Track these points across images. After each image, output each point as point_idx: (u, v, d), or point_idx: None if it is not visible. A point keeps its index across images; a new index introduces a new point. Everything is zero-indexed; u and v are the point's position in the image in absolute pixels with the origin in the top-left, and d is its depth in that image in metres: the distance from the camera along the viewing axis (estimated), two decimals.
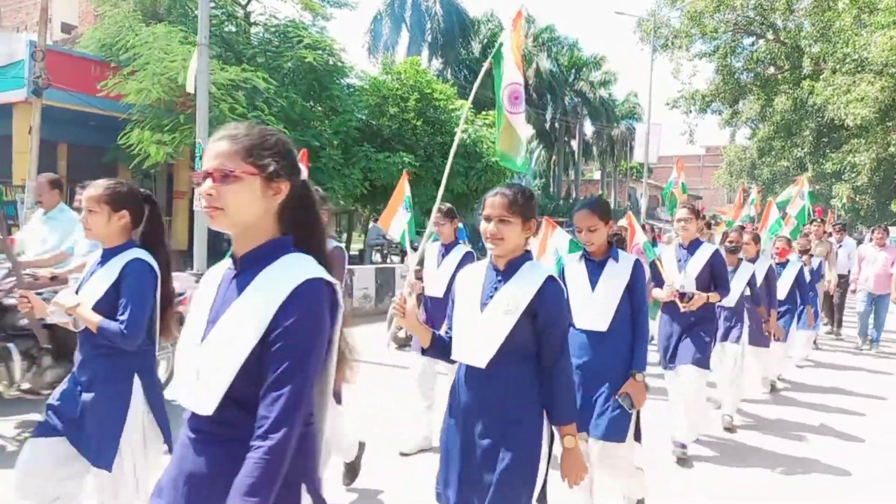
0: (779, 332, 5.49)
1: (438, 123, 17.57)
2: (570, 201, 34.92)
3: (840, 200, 23.21)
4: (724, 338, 5.01)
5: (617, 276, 2.99)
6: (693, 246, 4.41)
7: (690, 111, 26.71)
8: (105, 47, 13.74)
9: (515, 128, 3.90)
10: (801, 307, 6.69)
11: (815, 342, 8.54)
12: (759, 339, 5.56)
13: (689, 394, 4.20)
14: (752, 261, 5.81)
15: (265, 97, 13.13)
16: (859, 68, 18.14)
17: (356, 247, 20.89)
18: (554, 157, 39.21)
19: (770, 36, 24.86)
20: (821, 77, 20.33)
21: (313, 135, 14.41)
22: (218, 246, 18.43)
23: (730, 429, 5.00)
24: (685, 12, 23.68)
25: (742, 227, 9.42)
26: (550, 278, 2.12)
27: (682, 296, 4.21)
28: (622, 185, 45.80)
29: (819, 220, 9.35)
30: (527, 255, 2.22)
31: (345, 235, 22.77)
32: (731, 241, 5.30)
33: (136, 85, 12.21)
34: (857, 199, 24.84)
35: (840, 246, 9.99)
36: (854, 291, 9.35)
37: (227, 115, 12.14)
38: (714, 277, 4.32)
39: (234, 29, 16.23)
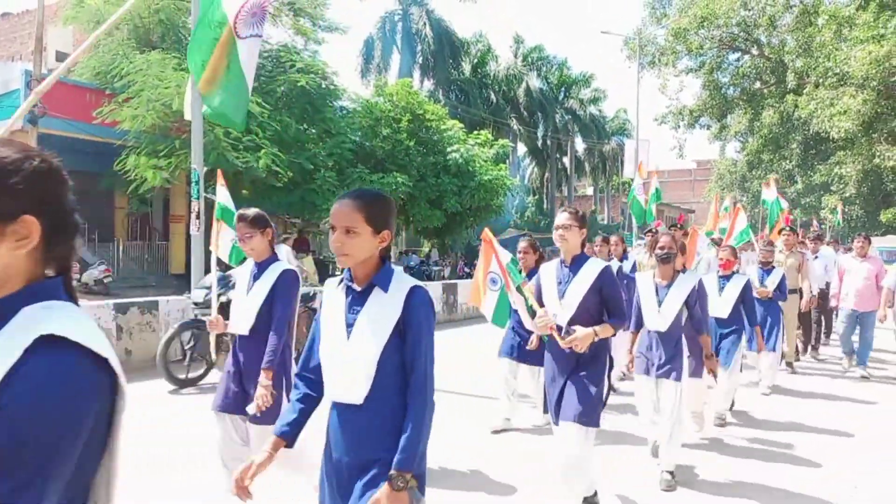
0: (714, 368, 4.37)
1: (431, 143, 17.82)
2: None
3: (831, 212, 23.49)
4: (662, 373, 4.00)
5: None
6: (577, 263, 3.31)
7: (679, 126, 27.10)
8: (100, 75, 13.95)
9: (241, 57, 3.98)
10: (751, 328, 5.61)
11: (790, 365, 7.77)
12: (694, 369, 4.65)
13: (570, 458, 3.23)
14: (728, 278, 5.48)
15: (259, 121, 13.32)
16: (841, 82, 18.52)
17: None
18: (547, 174, 39.55)
19: (755, 51, 25.33)
20: (804, 91, 20.72)
21: (308, 157, 14.61)
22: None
23: (669, 489, 3.90)
24: (670, 30, 24.14)
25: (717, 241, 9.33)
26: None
27: (559, 329, 3.23)
28: (615, 201, 46.14)
29: (789, 228, 8.30)
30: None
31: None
32: (661, 248, 4.09)
33: (130, 111, 12.38)
34: (847, 209, 25.15)
35: (815, 257, 9.12)
36: (834, 308, 8.35)
37: (222, 139, 12.32)
38: (605, 302, 3.26)
39: None
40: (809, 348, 8.81)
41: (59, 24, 17.18)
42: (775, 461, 4.54)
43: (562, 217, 3.31)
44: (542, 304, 3.38)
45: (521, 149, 39.25)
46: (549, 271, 3.45)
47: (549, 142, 37.43)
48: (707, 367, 4.33)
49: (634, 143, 23.24)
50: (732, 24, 23.67)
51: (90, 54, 13.91)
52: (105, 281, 13.13)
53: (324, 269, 17.60)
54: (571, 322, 3.24)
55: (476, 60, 32.82)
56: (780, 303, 6.91)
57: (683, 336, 4.14)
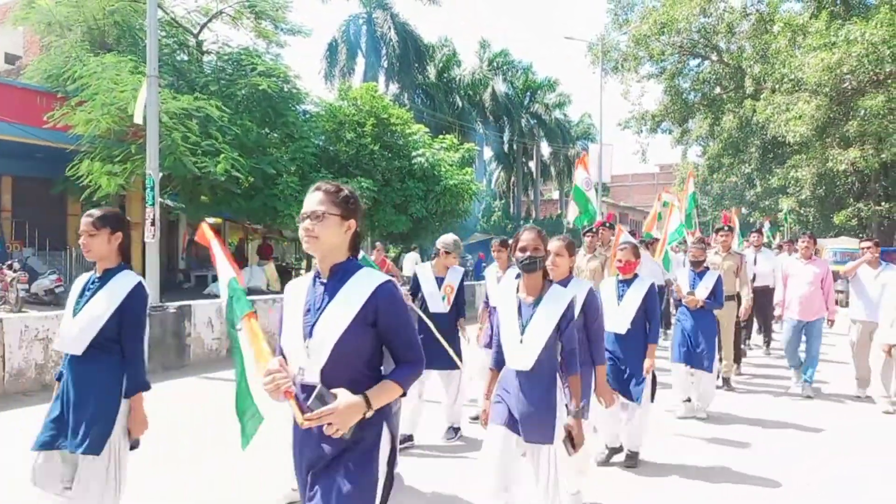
0: (610, 401, 3.55)
1: (396, 148, 17.70)
2: (531, 221, 35.39)
3: (787, 215, 24.16)
4: (531, 437, 3.00)
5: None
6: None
7: (642, 131, 27.56)
8: (51, 78, 13.50)
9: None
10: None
11: (727, 382, 6.94)
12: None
13: None
14: (628, 283, 4.42)
15: (219, 125, 13.03)
16: (796, 88, 19.06)
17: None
18: (513, 178, 39.78)
19: (714, 57, 25.93)
20: (762, 96, 21.26)
21: (269, 162, 14.35)
22: (172, 278, 18.07)
23: None
24: (631, 36, 24.54)
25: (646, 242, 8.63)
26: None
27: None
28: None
29: (726, 227, 7.43)
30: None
31: (304, 262, 22.59)
32: (522, 249, 2.94)
33: (84, 116, 11.99)
34: (802, 210, 25.89)
35: (758, 252, 8.66)
36: (779, 317, 7.42)
37: (179, 144, 12.02)
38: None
39: (185, 58, 16.13)
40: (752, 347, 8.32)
41: (9, 25, 16.58)
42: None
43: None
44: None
45: (487, 153, 39.41)
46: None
47: (514, 146, 37.67)
48: (599, 396, 3.41)
49: (598, 147, 23.52)
50: (692, 31, 24.18)
51: (40, 56, 13.46)
52: (56, 291, 12.65)
53: (286, 276, 17.32)
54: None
55: (441, 65, 32.84)
56: (716, 311, 6.02)
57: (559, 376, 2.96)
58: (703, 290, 5.77)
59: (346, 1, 30.71)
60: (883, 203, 21.95)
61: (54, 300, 12.24)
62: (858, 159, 18.63)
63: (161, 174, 10.23)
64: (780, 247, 11.94)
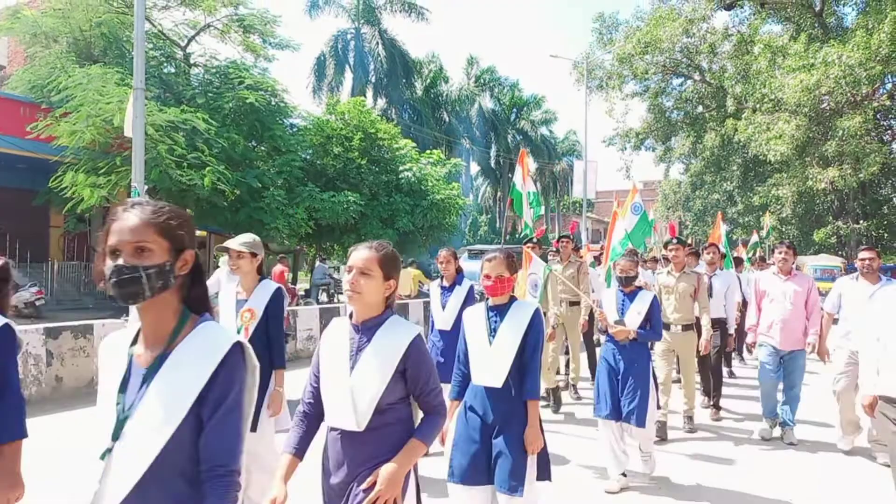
0: (534, 446, 2.82)
1: (383, 162, 17.75)
2: (517, 236, 35.55)
3: (768, 229, 24.52)
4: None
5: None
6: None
7: (626, 148, 27.95)
8: (35, 89, 13.41)
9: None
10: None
11: (690, 420, 5.81)
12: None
13: None
14: (500, 312, 3.24)
15: (205, 138, 12.99)
16: (776, 108, 19.46)
17: (302, 286, 20.60)
18: (499, 193, 40.00)
19: (697, 77, 26.40)
20: (743, 116, 21.66)
21: (256, 175, 14.31)
22: None
23: None
24: (616, 55, 24.93)
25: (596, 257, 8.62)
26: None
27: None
28: (566, 220, 47.03)
29: (675, 240, 6.15)
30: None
31: (290, 275, 22.46)
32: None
33: (68, 127, 11.90)
34: (783, 229, 26.29)
35: (713, 275, 6.95)
36: (752, 346, 6.27)
37: (165, 156, 11.97)
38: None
39: (173, 70, 16.10)
40: (710, 402, 6.51)
41: None
42: None
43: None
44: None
45: (474, 168, 39.66)
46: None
47: (501, 161, 37.93)
48: (527, 439, 2.80)
49: (583, 163, 23.76)
50: (675, 51, 24.63)
51: (25, 66, 13.37)
52: (36, 303, 12.47)
53: None
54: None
55: (429, 80, 33.11)
56: (668, 343, 5.53)
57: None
58: (634, 317, 4.40)
59: (335, 17, 30.78)
60: (861, 221, 22.36)
61: (35, 313, 12.05)
62: (837, 178, 19.00)
63: (146, 186, 10.17)
64: (761, 259, 11.78)
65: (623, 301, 4.52)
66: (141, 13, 8.76)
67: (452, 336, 4.64)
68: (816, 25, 21.59)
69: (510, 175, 40.26)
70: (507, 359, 2.81)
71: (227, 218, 14.49)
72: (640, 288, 4.59)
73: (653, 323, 4.43)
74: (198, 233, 14.77)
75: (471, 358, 2.92)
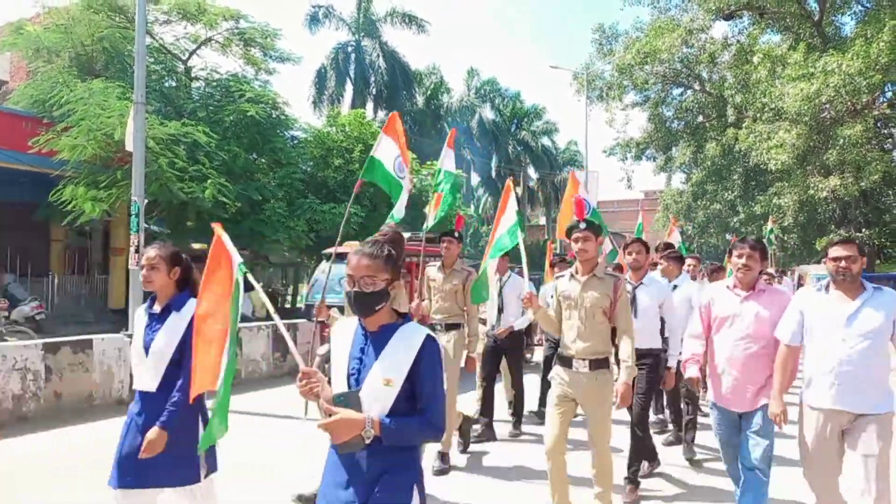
0: None
1: None
2: (516, 246, 35.51)
3: (767, 233, 24.47)
4: None
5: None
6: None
7: (626, 158, 27.94)
8: (37, 103, 13.47)
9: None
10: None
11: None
12: None
13: None
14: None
15: (206, 151, 13.02)
16: (777, 117, 19.45)
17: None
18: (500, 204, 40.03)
19: (697, 87, 26.44)
20: (744, 125, 21.65)
21: (257, 188, 14.35)
22: None
23: None
24: (616, 65, 24.99)
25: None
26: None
27: None
28: None
29: (582, 224, 3.91)
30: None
31: (291, 288, 22.43)
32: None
33: (70, 141, 11.95)
34: (785, 238, 26.22)
35: (639, 285, 4.92)
36: (699, 393, 5.05)
37: (166, 170, 12.00)
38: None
39: (174, 84, 16.18)
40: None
41: None
42: None
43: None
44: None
45: (475, 179, 39.71)
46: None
47: (502, 172, 37.97)
48: None
49: (584, 173, 23.77)
50: (675, 61, 24.67)
51: (27, 81, 13.44)
52: (36, 318, 12.42)
53: (273, 303, 17.15)
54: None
55: (429, 92, 33.20)
56: (564, 389, 3.77)
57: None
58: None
59: (335, 30, 30.89)
60: (863, 230, 22.27)
61: (34, 327, 12.01)
62: (839, 187, 18.95)
63: (147, 200, 10.19)
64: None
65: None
66: (142, 28, 8.80)
67: None
68: (815, 35, 21.62)
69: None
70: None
71: (229, 230, 14.44)
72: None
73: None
74: (198, 246, 14.80)
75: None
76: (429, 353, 1.99)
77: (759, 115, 20.57)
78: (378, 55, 29.68)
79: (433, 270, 5.40)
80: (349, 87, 30.62)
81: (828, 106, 18.33)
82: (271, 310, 2.25)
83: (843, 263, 3.23)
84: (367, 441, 1.90)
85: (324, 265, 8.89)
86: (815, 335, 3.29)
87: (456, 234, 5.36)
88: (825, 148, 19.42)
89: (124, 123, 9.96)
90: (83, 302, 15.79)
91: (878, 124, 20.57)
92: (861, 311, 3.17)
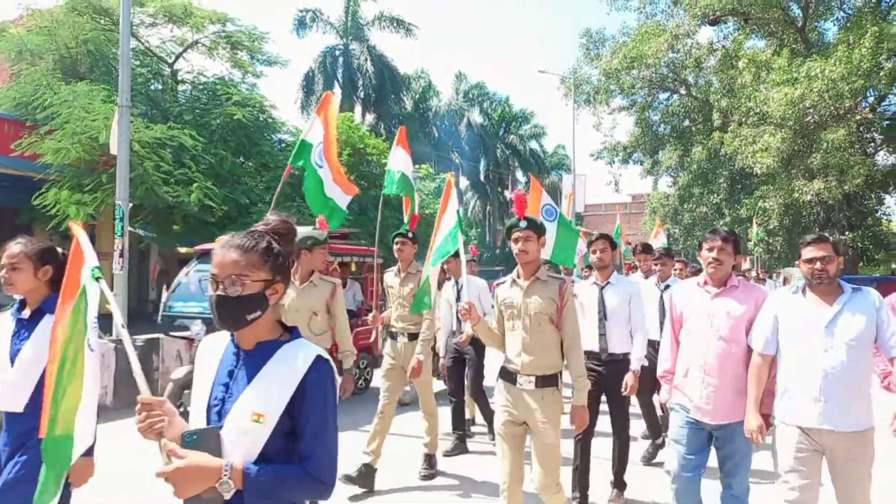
0: None
1: (372, 178, 17.73)
2: (507, 250, 35.62)
3: (755, 240, 24.68)
4: None
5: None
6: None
7: (614, 162, 28.13)
8: (20, 106, 13.31)
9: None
10: None
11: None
12: None
13: None
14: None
15: (192, 154, 12.94)
16: (761, 121, 19.67)
17: None
18: (489, 207, 40.10)
19: (683, 91, 26.67)
20: (729, 129, 21.87)
21: (244, 191, 14.26)
22: (143, 309, 17.66)
23: None
24: (602, 70, 25.18)
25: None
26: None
27: None
28: None
29: (523, 222, 3.42)
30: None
31: None
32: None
33: (53, 144, 11.81)
34: (771, 241, 26.48)
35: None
36: (663, 405, 4.61)
37: (152, 173, 11.90)
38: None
39: (160, 87, 16.07)
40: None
41: None
42: None
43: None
44: None
45: (464, 182, 39.80)
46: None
47: (490, 176, 38.07)
48: None
49: (572, 177, 23.90)
50: (661, 66, 24.88)
51: (9, 84, 13.29)
52: None
53: None
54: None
55: (418, 95, 33.26)
56: (509, 411, 3.29)
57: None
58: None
59: (323, 34, 30.86)
60: (847, 232, 22.55)
61: None
62: (823, 190, 19.17)
63: (132, 203, 10.08)
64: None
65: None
66: (126, 30, 8.73)
67: None
68: (799, 40, 21.90)
69: (500, 189, 40.41)
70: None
71: (214, 234, 14.39)
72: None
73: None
74: (184, 250, 14.69)
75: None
76: (317, 380, 1.53)
77: (744, 119, 20.79)
78: (366, 59, 29.70)
79: (390, 276, 5.11)
80: (337, 91, 30.59)
81: (811, 110, 18.57)
82: (118, 321, 1.81)
83: (818, 265, 2.93)
84: (227, 497, 1.46)
85: (194, 266, 7.59)
86: (791, 343, 2.96)
87: (409, 235, 4.98)
88: (809, 152, 19.65)
89: (109, 126, 9.87)
90: None
91: (861, 128, 20.85)
92: (841, 316, 2.88)
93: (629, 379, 4.25)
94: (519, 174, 40.24)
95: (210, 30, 16.10)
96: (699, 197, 28.35)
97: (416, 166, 19.65)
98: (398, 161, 5.30)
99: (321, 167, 4.81)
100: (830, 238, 3.01)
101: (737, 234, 3.39)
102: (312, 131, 4.94)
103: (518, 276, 3.35)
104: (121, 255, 8.12)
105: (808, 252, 2.98)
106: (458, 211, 3.98)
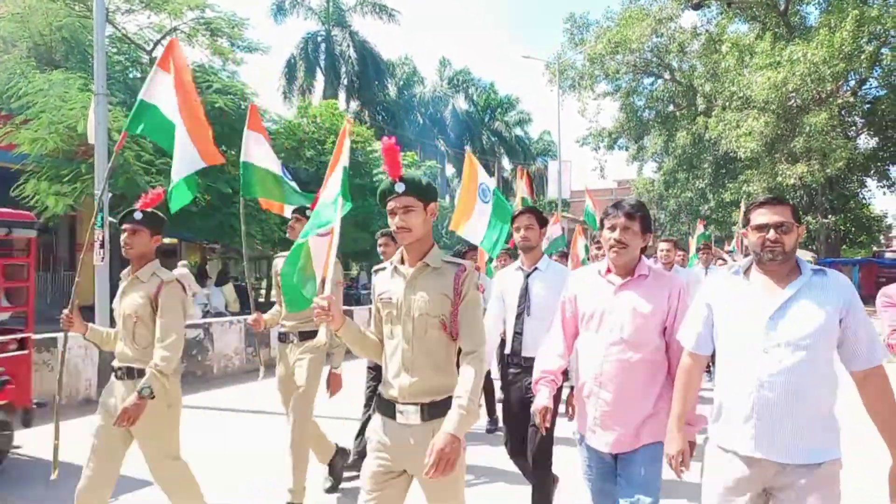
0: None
1: (356, 165, 17.60)
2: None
3: (742, 225, 24.90)
4: None
5: None
6: None
7: (599, 147, 28.21)
8: None
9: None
10: None
11: None
12: None
13: None
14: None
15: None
16: (745, 105, 19.78)
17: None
18: None
19: (667, 76, 26.73)
20: (713, 114, 21.99)
21: (227, 181, 14.07)
22: None
23: None
24: (586, 55, 25.16)
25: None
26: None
27: None
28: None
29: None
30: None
31: (265, 282, 22.19)
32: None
33: (30, 134, 11.56)
34: None
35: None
36: (543, 433, 2.57)
37: (133, 163, 11.71)
38: None
39: (139, 75, 15.76)
40: None
41: None
42: None
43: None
44: None
45: (449, 170, 39.67)
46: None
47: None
48: None
49: (558, 163, 23.91)
50: (645, 50, 24.93)
51: None
52: None
53: (244, 296, 16.96)
54: None
55: (402, 82, 33.02)
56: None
57: None
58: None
59: (304, 19, 30.42)
60: (829, 216, 22.83)
61: None
62: (805, 174, 19.37)
63: (114, 194, 9.89)
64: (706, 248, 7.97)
65: None
66: (101, 16, 8.51)
67: None
68: (781, 24, 22.00)
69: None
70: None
71: (198, 224, 14.24)
72: None
73: None
74: (168, 240, 14.51)
75: None
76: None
77: (727, 103, 20.90)
78: (348, 45, 29.39)
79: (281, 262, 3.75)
80: (320, 78, 30.29)
81: (794, 94, 18.71)
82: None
83: (770, 234, 2.05)
84: None
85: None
86: (726, 341, 2.13)
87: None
88: (792, 136, 19.82)
89: (86, 116, 9.66)
90: (49, 300, 15.38)
91: (843, 112, 21.05)
92: (792, 305, 2.01)
93: (569, 398, 2.90)
94: (505, 161, 40.17)
95: (189, 16, 15.79)
96: (684, 182, 28.54)
97: (402, 153, 19.57)
98: (254, 152, 4.20)
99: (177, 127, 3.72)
100: (790, 202, 2.19)
101: (646, 206, 2.53)
102: (153, 87, 3.79)
103: (402, 262, 2.27)
104: (101, 247, 7.98)
105: (758, 216, 2.11)
106: (345, 168, 2.66)
